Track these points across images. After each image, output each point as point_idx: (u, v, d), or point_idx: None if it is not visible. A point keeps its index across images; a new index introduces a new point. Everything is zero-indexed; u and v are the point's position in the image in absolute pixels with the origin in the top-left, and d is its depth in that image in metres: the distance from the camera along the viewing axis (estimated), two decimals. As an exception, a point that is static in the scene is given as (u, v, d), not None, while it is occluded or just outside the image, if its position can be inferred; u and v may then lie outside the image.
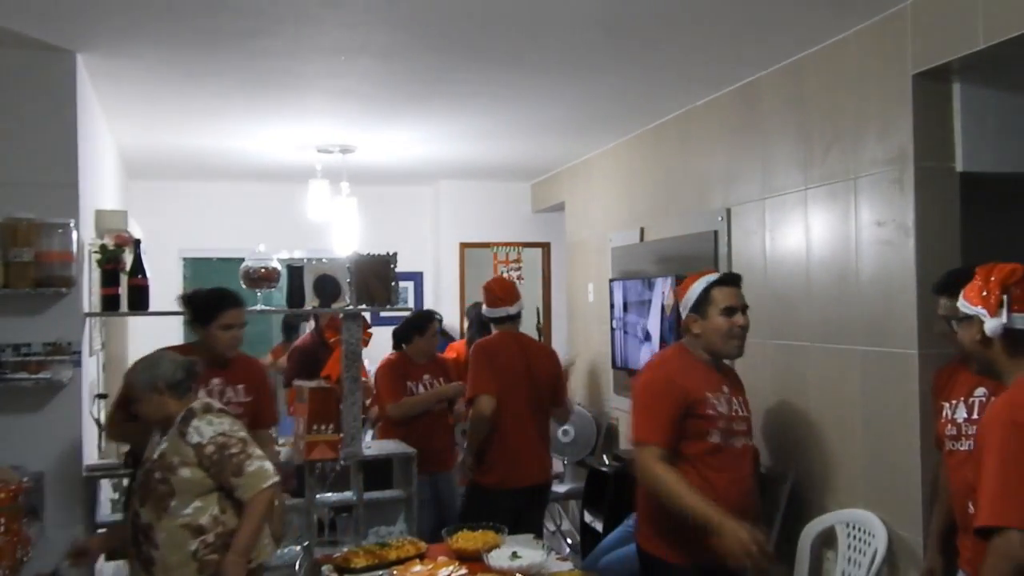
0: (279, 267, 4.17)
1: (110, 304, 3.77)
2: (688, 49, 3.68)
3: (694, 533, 2.65)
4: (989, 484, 1.98)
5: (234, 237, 6.83)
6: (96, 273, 3.81)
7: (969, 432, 2.69)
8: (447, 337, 6.54)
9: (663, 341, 4.80)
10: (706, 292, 2.94)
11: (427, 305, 7.54)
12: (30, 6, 3.07)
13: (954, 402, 2.77)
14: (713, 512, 2.61)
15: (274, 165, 6.39)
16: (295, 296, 4.19)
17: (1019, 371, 2.10)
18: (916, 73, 3.09)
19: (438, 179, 7.50)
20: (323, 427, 4.00)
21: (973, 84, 3.13)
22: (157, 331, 6.58)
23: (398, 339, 4.92)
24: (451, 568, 2.90)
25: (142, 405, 2.92)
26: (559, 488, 5.83)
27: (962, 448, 2.71)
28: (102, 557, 3.55)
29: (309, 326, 6.12)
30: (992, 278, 2.12)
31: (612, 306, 5.51)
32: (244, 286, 4.14)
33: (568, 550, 5.71)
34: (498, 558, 2.92)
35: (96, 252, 3.78)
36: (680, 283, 3.10)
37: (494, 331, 4.38)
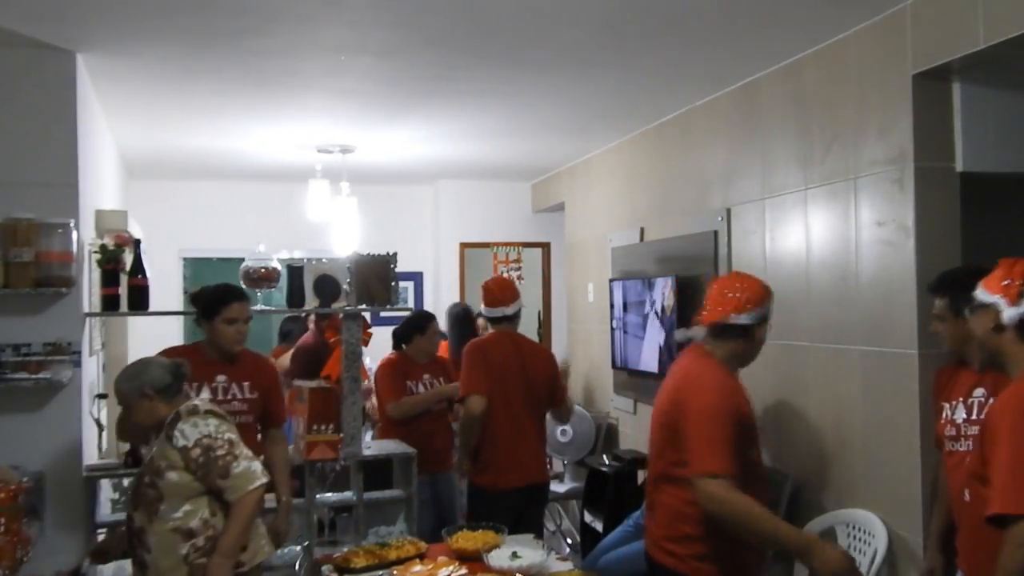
0: (279, 267, 4.17)
1: (110, 304, 3.77)
2: (688, 49, 3.68)
3: (739, 556, 2.64)
4: (1002, 473, 1.99)
5: (234, 237, 6.84)
6: (96, 273, 3.81)
7: (968, 433, 2.69)
8: (440, 335, 6.53)
9: (663, 341, 4.81)
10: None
11: (427, 305, 7.55)
12: (30, 6, 3.07)
13: (954, 403, 2.77)
14: (804, 535, 2.58)
15: (274, 165, 6.39)
16: (295, 296, 4.19)
17: None
18: (916, 73, 3.09)
19: (438, 179, 7.50)
20: (323, 427, 4.00)
21: (973, 84, 3.13)
22: (157, 331, 6.60)
23: (398, 339, 4.92)
24: (451, 568, 2.90)
25: (133, 413, 2.92)
26: (559, 488, 5.83)
27: (961, 449, 2.71)
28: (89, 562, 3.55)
29: (309, 322, 6.13)
30: (1016, 268, 2.17)
31: (612, 306, 5.52)
32: (244, 286, 4.14)
33: (568, 550, 5.71)
34: (498, 558, 2.92)
35: (96, 252, 3.78)
36: (740, 281, 2.75)
37: (489, 330, 4.38)
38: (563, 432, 5.71)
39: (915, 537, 3.12)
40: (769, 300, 2.75)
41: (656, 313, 4.89)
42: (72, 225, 3.44)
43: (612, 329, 5.53)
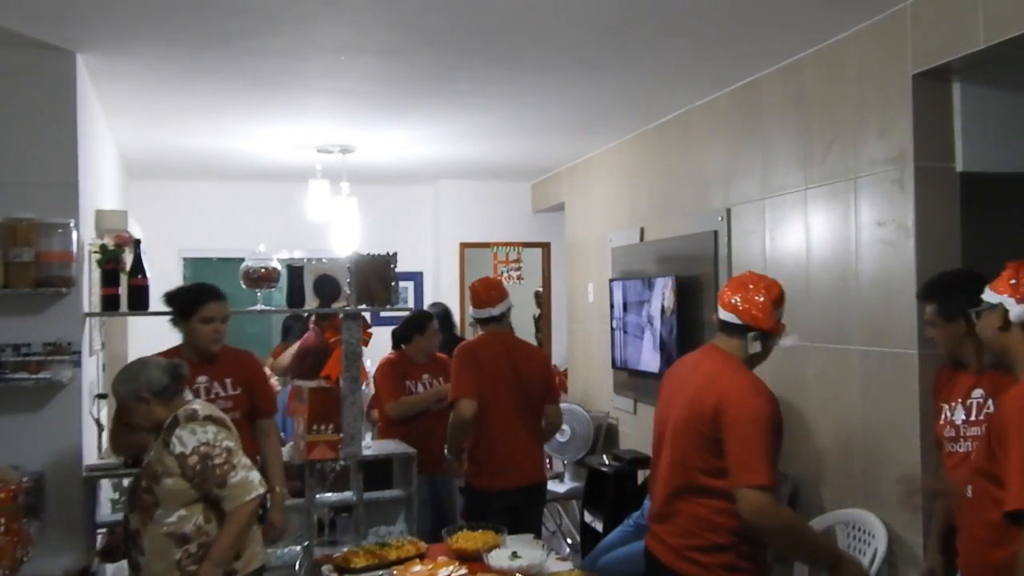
0: (279, 267, 4.17)
1: (110, 304, 3.77)
2: (688, 49, 3.68)
3: (762, 563, 2.62)
4: (1016, 470, 2.00)
5: (234, 237, 6.83)
6: (96, 273, 3.81)
7: (967, 434, 2.70)
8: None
9: (662, 342, 4.81)
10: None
11: (427, 306, 7.54)
12: (30, 6, 3.07)
13: (953, 404, 2.77)
14: (836, 548, 2.69)
15: (274, 165, 6.39)
16: (295, 296, 4.19)
17: None
18: (916, 73, 3.09)
19: (438, 179, 7.50)
20: (323, 427, 4.00)
21: (973, 84, 3.13)
22: (157, 331, 6.59)
23: (398, 339, 4.92)
24: (451, 568, 2.90)
25: (131, 415, 2.90)
26: (559, 488, 5.83)
27: (960, 450, 2.71)
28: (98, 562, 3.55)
29: (311, 321, 6.12)
30: (1023, 269, 2.21)
31: (612, 306, 5.52)
32: (244, 286, 4.15)
33: (568, 550, 5.71)
34: (498, 558, 2.92)
35: (96, 252, 3.78)
36: (767, 284, 2.68)
37: (480, 332, 4.37)
38: (561, 432, 5.70)
39: (915, 537, 3.12)
40: (784, 299, 2.71)
41: (656, 313, 4.89)
42: (72, 225, 3.43)
43: (612, 329, 5.53)
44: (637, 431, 5.42)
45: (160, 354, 3.51)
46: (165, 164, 6.42)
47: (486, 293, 4.23)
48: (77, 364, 3.49)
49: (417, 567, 2.94)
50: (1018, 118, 3.20)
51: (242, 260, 4.15)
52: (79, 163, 3.57)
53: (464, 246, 7.54)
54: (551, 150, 6.16)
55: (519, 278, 7.73)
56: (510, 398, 4.08)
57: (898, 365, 3.18)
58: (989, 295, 2.26)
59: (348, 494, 4.17)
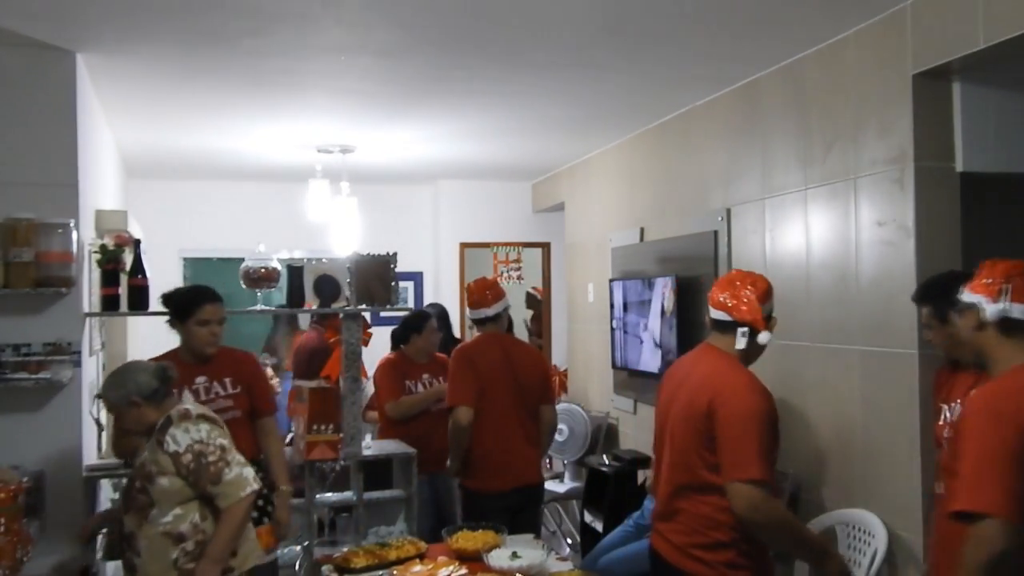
0: (279, 267, 4.17)
1: (110, 304, 3.77)
2: (688, 49, 3.68)
3: (765, 560, 2.65)
4: (966, 470, 2.03)
5: (234, 237, 6.84)
6: (96, 273, 3.81)
7: None
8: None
9: (662, 342, 4.81)
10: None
11: (425, 306, 7.53)
12: (30, 6, 3.07)
13: (953, 404, 2.77)
14: (824, 542, 2.76)
15: (274, 165, 6.39)
16: (295, 296, 4.20)
17: (1008, 360, 2.17)
18: (916, 73, 3.09)
19: (438, 179, 7.50)
20: (323, 427, 4.00)
21: (973, 84, 3.13)
22: (157, 331, 6.59)
23: (397, 341, 4.92)
24: (451, 568, 2.90)
25: (123, 420, 2.91)
26: (559, 488, 5.83)
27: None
28: (99, 558, 3.55)
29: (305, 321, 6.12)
30: (997, 268, 2.22)
31: (612, 306, 5.52)
32: (244, 286, 4.15)
33: (568, 550, 5.71)
34: (498, 558, 2.93)
35: (96, 252, 3.78)
36: (753, 280, 2.72)
37: (477, 332, 4.36)
38: (559, 431, 5.71)
39: (915, 537, 3.12)
40: (773, 293, 2.76)
41: (656, 313, 4.89)
42: (72, 225, 3.43)
43: (612, 329, 5.53)
44: (637, 431, 5.42)
45: (159, 357, 3.52)
46: (165, 164, 6.42)
47: (481, 293, 4.22)
48: (77, 364, 3.49)
49: (417, 567, 2.94)
50: (1018, 118, 3.20)
51: (242, 260, 4.15)
52: (79, 163, 3.57)
53: (464, 246, 7.54)
54: (551, 150, 6.16)
55: (519, 278, 7.73)
56: (507, 399, 4.07)
57: (898, 365, 3.18)
58: (965, 295, 2.27)
59: (348, 494, 4.17)
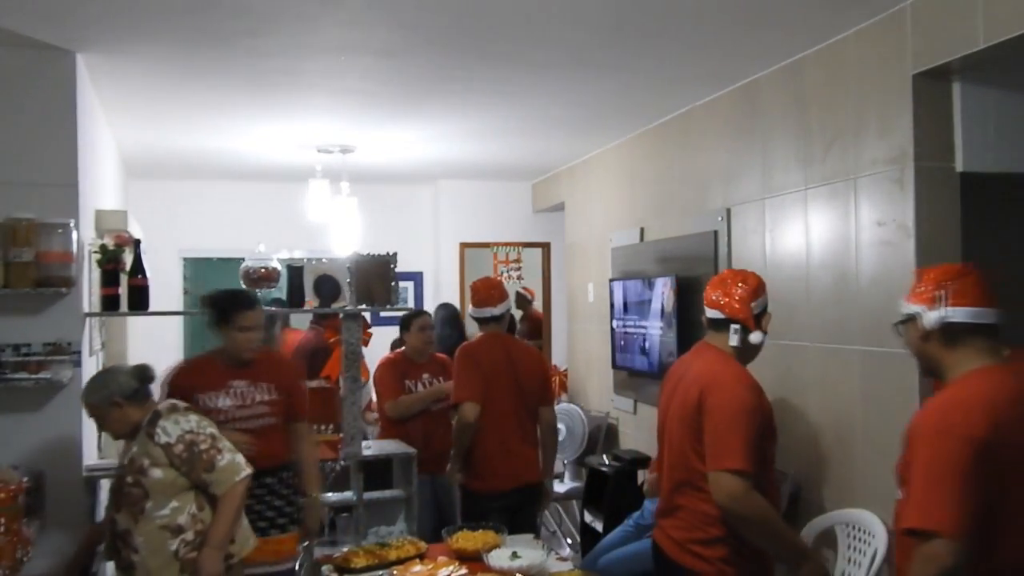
0: (279, 267, 4.17)
1: (110, 304, 3.77)
2: (688, 49, 3.68)
3: (763, 557, 2.66)
4: (916, 488, 2.02)
5: (234, 237, 6.84)
6: (96, 273, 3.81)
7: None
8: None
9: (662, 342, 4.81)
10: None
11: (427, 306, 7.55)
12: (30, 6, 3.07)
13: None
14: (804, 543, 2.75)
15: (274, 165, 6.39)
16: (295, 296, 4.20)
17: (958, 367, 2.13)
18: (916, 73, 3.09)
19: (438, 179, 7.50)
20: (323, 427, 4.00)
21: (973, 84, 3.13)
22: (157, 331, 6.60)
23: (397, 342, 4.94)
24: (451, 568, 2.90)
25: (107, 424, 2.94)
26: (559, 488, 5.83)
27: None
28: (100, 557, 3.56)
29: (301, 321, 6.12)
30: (928, 275, 2.19)
31: (612, 306, 5.52)
32: (244, 286, 4.15)
33: (568, 550, 5.71)
34: (498, 558, 2.93)
35: (96, 252, 3.78)
36: (743, 277, 2.78)
37: (480, 332, 4.36)
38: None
39: (915, 537, 3.11)
40: (765, 289, 2.80)
41: (656, 313, 4.89)
42: (72, 225, 3.44)
43: (612, 329, 5.53)
44: (637, 431, 5.42)
45: (195, 361, 3.57)
46: (165, 164, 6.42)
47: (487, 292, 4.22)
48: (77, 364, 3.49)
49: (417, 567, 2.95)
50: (1018, 118, 3.20)
51: (242, 260, 4.15)
52: (79, 163, 3.57)
53: (464, 246, 7.54)
54: (551, 150, 6.16)
55: (519, 278, 7.73)
56: (508, 399, 4.08)
57: (898, 365, 3.18)
58: (905, 306, 2.23)
59: (348, 494, 4.17)
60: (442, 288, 7.53)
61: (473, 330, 4.62)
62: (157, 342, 6.67)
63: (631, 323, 5.24)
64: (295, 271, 4.19)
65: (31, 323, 3.45)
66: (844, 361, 3.48)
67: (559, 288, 7.50)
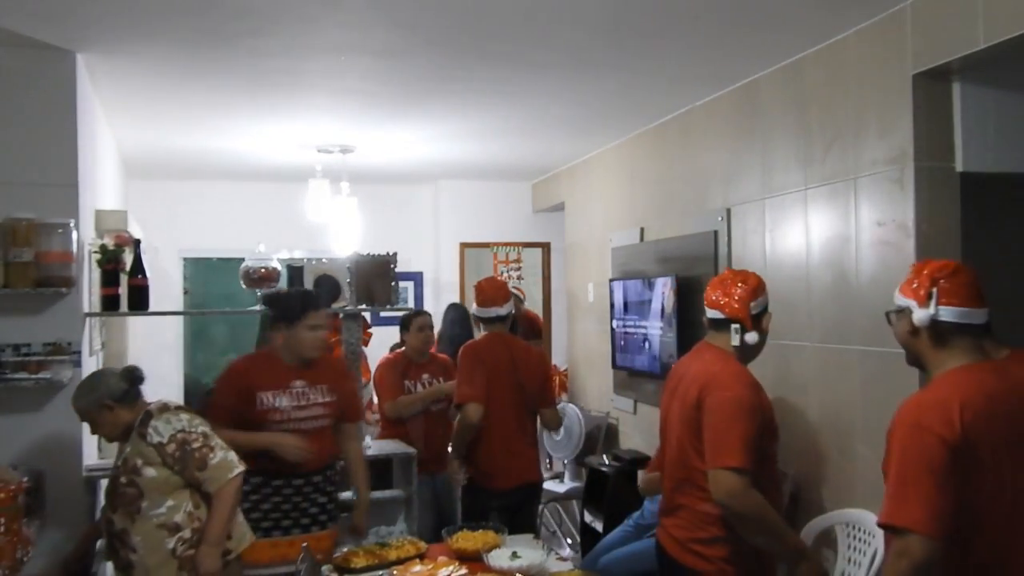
0: (279, 267, 4.17)
1: (110, 304, 3.77)
2: (688, 49, 3.68)
3: (763, 557, 2.67)
4: (890, 484, 2.04)
5: (234, 237, 6.83)
6: (96, 273, 3.81)
7: None
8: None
9: (662, 342, 4.80)
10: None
11: (427, 306, 7.55)
12: (30, 6, 3.07)
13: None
14: (802, 542, 2.74)
15: (274, 165, 6.39)
16: (296, 296, 4.19)
17: (942, 365, 2.15)
18: (916, 73, 3.09)
19: (438, 179, 7.50)
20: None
21: (973, 84, 3.13)
22: (157, 331, 6.61)
23: (397, 345, 4.96)
24: (451, 568, 2.90)
25: (99, 427, 2.96)
26: (559, 488, 5.83)
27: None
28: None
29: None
30: (924, 272, 2.19)
31: (612, 306, 5.52)
32: (244, 286, 4.15)
33: (568, 550, 5.71)
34: (498, 558, 2.93)
35: (96, 252, 3.78)
36: (744, 277, 2.80)
37: (483, 332, 4.37)
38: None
39: (915, 537, 3.11)
40: (765, 289, 2.81)
41: (656, 313, 4.89)
42: (72, 225, 3.44)
43: (612, 329, 5.52)
44: (637, 431, 5.42)
45: (255, 357, 3.61)
46: (165, 164, 6.42)
47: (492, 292, 4.23)
48: (77, 364, 3.49)
49: (417, 567, 2.95)
50: (1018, 118, 3.20)
51: (242, 260, 4.15)
52: (79, 163, 3.57)
53: (464, 246, 7.54)
54: (551, 150, 6.16)
55: (519, 278, 7.73)
56: (509, 399, 4.08)
57: (898, 365, 3.16)
58: (897, 298, 2.25)
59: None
60: (442, 288, 7.53)
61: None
62: (157, 342, 6.69)
63: (631, 323, 5.24)
64: (295, 271, 4.19)
65: (31, 323, 3.45)
66: (844, 361, 3.48)
67: (559, 288, 7.50)
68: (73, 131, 3.55)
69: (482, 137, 5.58)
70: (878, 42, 3.27)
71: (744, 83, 4.18)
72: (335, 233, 6.26)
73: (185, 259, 7.40)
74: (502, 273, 7.62)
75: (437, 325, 5.45)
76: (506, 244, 7.68)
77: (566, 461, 5.94)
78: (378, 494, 4.24)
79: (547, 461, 6.02)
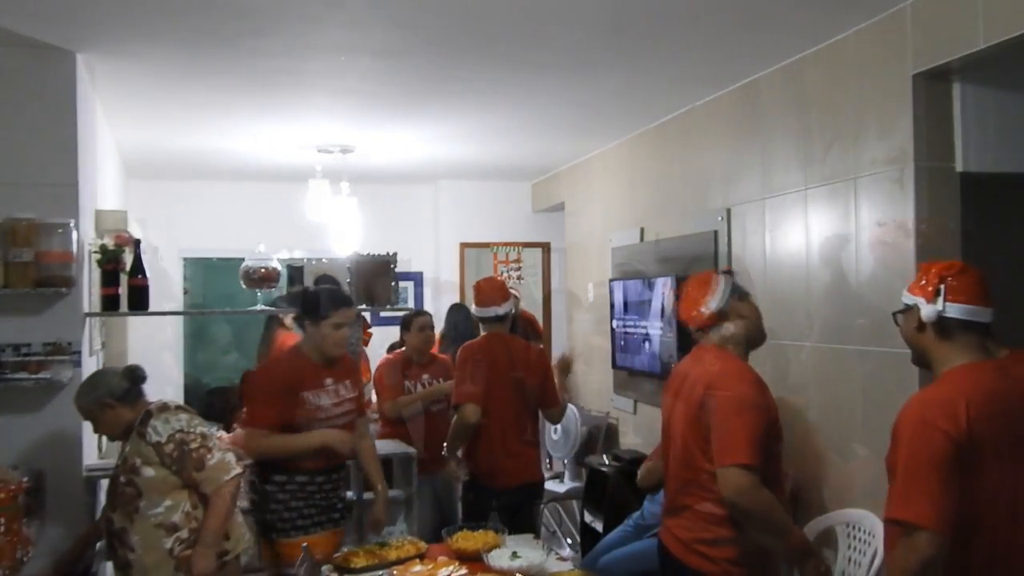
0: (279, 267, 4.17)
1: (110, 304, 3.77)
2: (688, 49, 3.68)
3: (768, 557, 2.68)
4: (898, 480, 2.07)
5: (234, 237, 6.82)
6: (96, 273, 3.81)
7: None
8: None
9: (662, 342, 4.81)
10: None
11: (427, 306, 7.54)
12: (30, 6, 3.07)
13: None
14: (807, 539, 2.77)
15: (274, 165, 6.39)
16: (296, 296, 4.19)
17: (947, 361, 2.19)
18: (916, 73, 3.09)
19: (438, 179, 7.50)
20: (323, 427, 3.99)
21: (973, 84, 3.13)
22: (157, 331, 6.61)
23: (397, 345, 4.95)
24: (451, 568, 2.91)
25: (100, 425, 2.96)
26: (559, 488, 5.83)
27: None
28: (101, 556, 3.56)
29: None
30: (932, 271, 2.25)
31: (612, 306, 5.52)
32: (244, 286, 4.15)
33: (568, 550, 5.71)
34: (498, 558, 2.93)
35: (96, 252, 3.78)
36: (693, 284, 2.92)
37: (482, 331, 4.37)
38: (554, 430, 5.72)
39: (915, 537, 3.11)
40: (725, 280, 2.84)
41: (656, 313, 4.89)
42: (72, 225, 3.44)
43: (612, 329, 5.52)
44: (637, 431, 5.42)
45: (285, 356, 3.60)
46: (165, 164, 6.42)
47: (493, 292, 4.23)
48: (77, 364, 3.49)
49: (417, 567, 2.95)
50: (1018, 118, 3.20)
51: (242, 260, 4.15)
52: (79, 163, 3.57)
53: (464, 246, 7.54)
54: (551, 150, 6.16)
55: (519, 278, 7.73)
56: (509, 399, 4.08)
57: (898, 365, 3.18)
58: (906, 296, 2.30)
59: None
60: (442, 288, 7.53)
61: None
62: (157, 342, 6.69)
63: (631, 323, 5.24)
64: (295, 271, 4.19)
65: (31, 323, 3.45)
66: (844, 361, 3.48)
67: (559, 288, 7.50)
68: (73, 131, 3.55)
69: (482, 137, 5.58)
70: (878, 42, 3.27)
71: (744, 83, 4.18)
72: (335, 233, 6.26)
73: (185, 259, 7.40)
74: (502, 273, 7.62)
75: (438, 325, 5.44)
76: (506, 244, 7.68)
77: (565, 461, 5.95)
78: (378, 494, 4.25)
79: (547, 461, 6.01)
